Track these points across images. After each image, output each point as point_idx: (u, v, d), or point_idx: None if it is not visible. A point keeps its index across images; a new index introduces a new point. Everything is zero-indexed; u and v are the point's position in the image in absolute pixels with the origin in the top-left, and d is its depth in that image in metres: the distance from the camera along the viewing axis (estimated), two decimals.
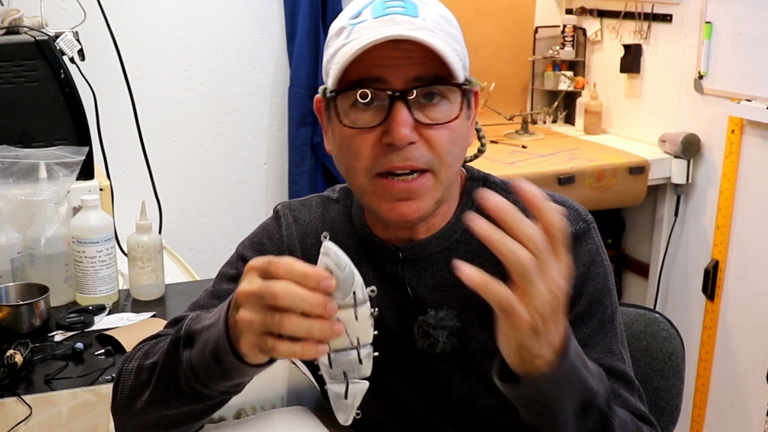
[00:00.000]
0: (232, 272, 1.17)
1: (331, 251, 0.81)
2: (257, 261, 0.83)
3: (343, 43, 0.99)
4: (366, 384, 0.87)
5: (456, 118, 1.01)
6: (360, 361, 0.85)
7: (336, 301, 0.80)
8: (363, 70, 0.99)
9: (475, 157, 1.18)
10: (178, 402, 0.98)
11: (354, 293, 0.82)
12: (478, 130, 1.15)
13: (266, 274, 0.82)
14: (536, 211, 0.80)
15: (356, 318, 0.82)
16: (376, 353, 0.85)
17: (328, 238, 0.82)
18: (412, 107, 0.99)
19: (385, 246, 1.12)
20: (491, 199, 0.78)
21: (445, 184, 1.04)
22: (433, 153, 1.01)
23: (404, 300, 1.12)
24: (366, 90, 0.99)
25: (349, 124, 1.01)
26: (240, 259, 1.17)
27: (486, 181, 1.15)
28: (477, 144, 1.18)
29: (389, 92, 0.98)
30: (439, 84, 1.00)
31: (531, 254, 0.78)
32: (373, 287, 0.83)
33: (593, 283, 1.09)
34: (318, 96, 1.08)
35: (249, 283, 0.83)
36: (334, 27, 1.04)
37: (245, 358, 0.86)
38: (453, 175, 1.05)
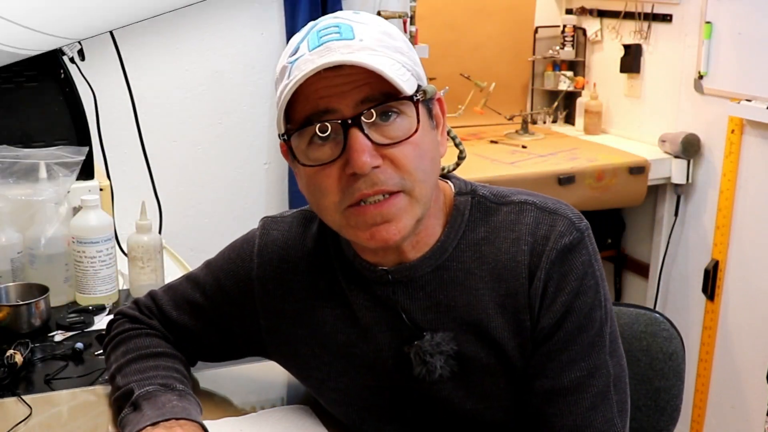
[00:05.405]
0: (201, 280, 1.28)
1: None
2: None
3: (286, 83, 0.97)
4: None
5: (415, 132, 0.98)
6: None
7: None
8: (310, 106, 0.97)
9: (457, 165, 1.14)
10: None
11: None
12: (453, 138, 1.12)
13: None
14: None
15: None
16: None
17: None
18: (368, 130, 0.96)
19: (374, 270, 1.08)
20: None
21: (423, 200, 1.00)
22: (400, 173, 0.97)
23: (398, 323, 1.08)
24: (319, 124, 0.96)
25: (309, 163, 0.99)
26: (214, 280, 1.28)
27: (474, 194, 1.10)
28: (456, 152, 1.14)
29: (340, 121, 0.95)
30: (388, 101, 0.96)
31: None
32: None
33: (585, 297, 1.04)
34: (281, 142, 1.05)
35: None
36: (277, 69, 1.02)
37: None
38: (429, 189, 1.01)
